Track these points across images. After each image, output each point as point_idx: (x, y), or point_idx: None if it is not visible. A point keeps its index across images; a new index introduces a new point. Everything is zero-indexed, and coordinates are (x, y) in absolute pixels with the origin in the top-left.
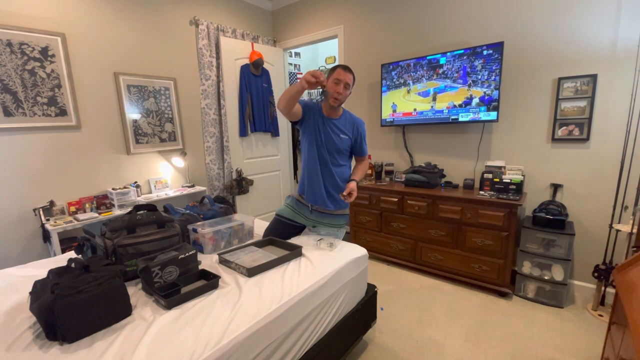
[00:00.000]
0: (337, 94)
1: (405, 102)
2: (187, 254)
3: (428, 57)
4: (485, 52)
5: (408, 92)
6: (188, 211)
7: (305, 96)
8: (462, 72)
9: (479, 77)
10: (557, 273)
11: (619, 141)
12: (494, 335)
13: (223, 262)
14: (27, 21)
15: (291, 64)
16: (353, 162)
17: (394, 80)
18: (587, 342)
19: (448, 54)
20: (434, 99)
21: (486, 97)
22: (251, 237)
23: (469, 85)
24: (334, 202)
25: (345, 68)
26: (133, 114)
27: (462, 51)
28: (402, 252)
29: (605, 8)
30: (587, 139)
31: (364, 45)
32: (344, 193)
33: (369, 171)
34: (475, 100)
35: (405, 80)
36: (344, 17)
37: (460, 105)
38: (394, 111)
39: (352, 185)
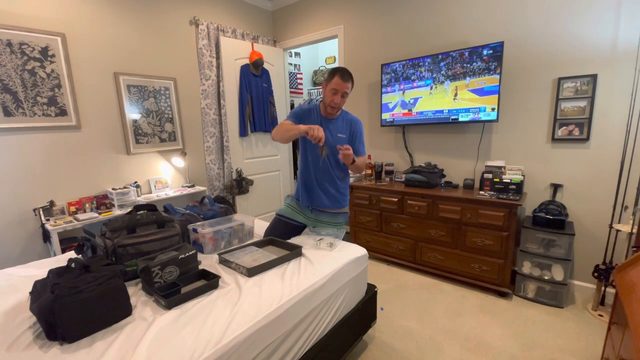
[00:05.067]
0: (334, 104)
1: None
2: (187, 254)
3: (427, 57)
4: (485, 52)
5: (404, 93)
6: (188, 211)
7: (305, 96)
8: (459, 72)
9: (479, 79)
10: (557, 273)
11: (619, 141)
12: (494, 335)
13: (223, 262)
14: (27, 21)
15: (291, 64)
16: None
17: (396, 80)
18: (587, 342)
19: (446, 53)
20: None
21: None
22: (251, 237)
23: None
24: (332, 201)
25: (344, 75)
26: (133, 114)
27: (461, 51)
28: (402, 252)
29: (605, 8)
30: (587, 139)
31: (364, 45)
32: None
33: (369, 171)
34: (483, 109)
35: (409, 80)
36: (344, 17)
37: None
38: (394, 111)
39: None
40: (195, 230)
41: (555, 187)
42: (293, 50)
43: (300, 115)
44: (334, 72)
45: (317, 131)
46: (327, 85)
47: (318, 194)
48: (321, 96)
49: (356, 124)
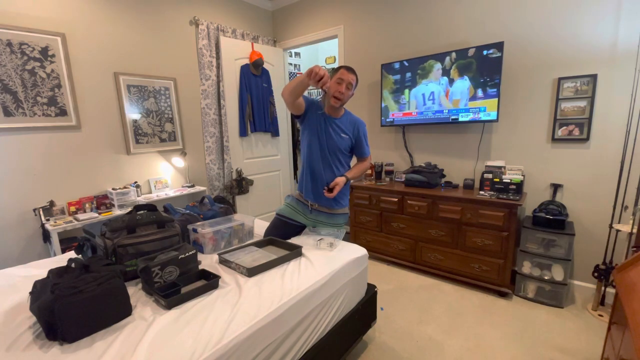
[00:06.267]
0: (340, 94)
1: (405, 102)
2: (187, 254)
3: (427, 57)
4: (485, 52)
5: (408, 92)
6: (188, 211)
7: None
8: (461, 73)
9: (480, 78)
10: (557, 273)
11: (619, 141)
12: (494, 336)
13: (223, 262)
14: (27, 21)
15: (291, 64)
16: (354, 161)
17: (396, 79)
18: (587, 342)
19: (447, 53)
20: (434, 101)
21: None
22: (251, 237)
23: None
24: (333, 200)
25: (349, 69)
26: (133, 114)
27: (461, 51)
28: (402, 252)
29: (606, 8)
30: (587, 139)
31: (364, 45)
32: (330, 186)
33: (369, 171)
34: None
35: (408, 80)
36: (344, 17)
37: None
38: (394, 111)
39: (339, 179)
40: (195, 230)
41: (555, 187)
42: (293, 50)
43: (308, 99)
44: (339, 67)
45: (319, 69)
46: (333, 78)
47: (321, 190)
48: (321, 96)
49: (360, 125)
